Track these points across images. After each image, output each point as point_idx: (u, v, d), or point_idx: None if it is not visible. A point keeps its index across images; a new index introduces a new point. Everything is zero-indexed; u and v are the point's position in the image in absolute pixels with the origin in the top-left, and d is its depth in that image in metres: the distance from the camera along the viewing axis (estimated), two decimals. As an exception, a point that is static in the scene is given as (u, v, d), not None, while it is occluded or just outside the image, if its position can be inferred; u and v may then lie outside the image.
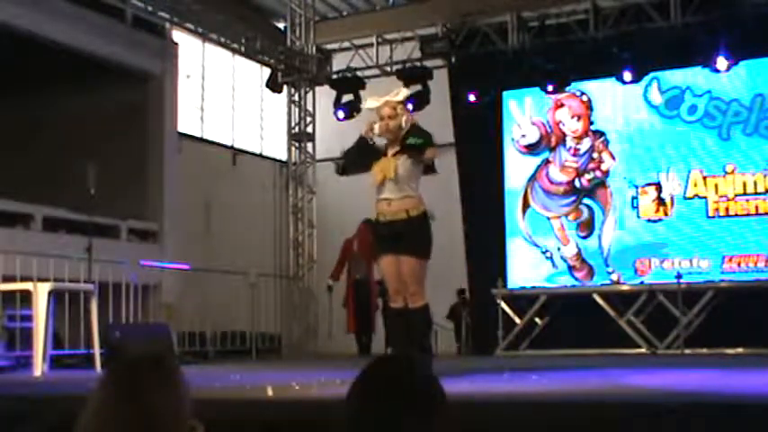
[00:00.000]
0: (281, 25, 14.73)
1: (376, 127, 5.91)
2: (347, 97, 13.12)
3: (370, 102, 6.11)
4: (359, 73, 13.36)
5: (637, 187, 11.88)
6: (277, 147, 15.45)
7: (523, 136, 12.55)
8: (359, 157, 6.04)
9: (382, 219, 5.85)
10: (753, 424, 3.17)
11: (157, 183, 12.37)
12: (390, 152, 5.84)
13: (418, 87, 12.42)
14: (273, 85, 13.85)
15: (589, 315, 11.48)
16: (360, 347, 11.76)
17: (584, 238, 12.13)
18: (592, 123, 12.22)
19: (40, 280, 8.14)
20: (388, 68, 13.35)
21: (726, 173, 11.45)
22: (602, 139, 12.13)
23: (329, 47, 14.57)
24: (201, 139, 13.99)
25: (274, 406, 4.17)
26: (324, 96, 14.11)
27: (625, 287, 11.67)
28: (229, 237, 13.71)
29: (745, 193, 11.32)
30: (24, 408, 4.43)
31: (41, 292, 7.57)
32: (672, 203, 11.70)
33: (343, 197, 14.22)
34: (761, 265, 11.15)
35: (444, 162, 13.46)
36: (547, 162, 12.39)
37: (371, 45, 13.62)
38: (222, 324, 12.25)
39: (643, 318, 11.40)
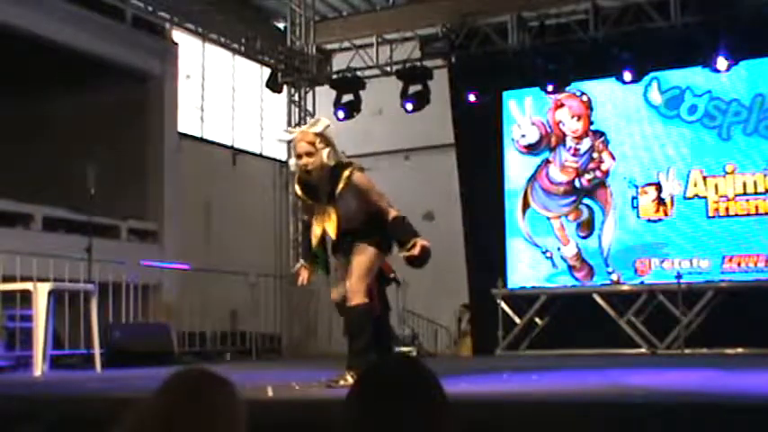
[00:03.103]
0: (281, 25, 14.73)
1: (291, 163, 5.34)
2: (347, 97, 13.12)
3: (285, 134, 5.69)
4: (359, 73, 13.35)
5: (637, 187, 11.88)
6: (277, 147, 15.44)
7: (523, 136, 12.55)
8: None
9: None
10: (753, 424, 3.17)
11: (157, 183, 12.37)
12: (322, 195, 5.15)
13: (418, 87, 12.44)
14: (273, 85, 13.85)
15: (589, 315, 11.49)
16: None
17: (584, 238, 12.13)
18: (592, 123, 12.22)
19: (40, 280, 8.15)
20: (388, 68, 13.35)
21: (726, 173, 11.45)
22: (602, 139, 12.13)
23: (329, 47, 14.57)
24: (201, 139, 13.98)
25: (274, 406, 4.17)
26: (324, 96, 14.11)
27: (625, 287, 11.67)
28: (229, 237, 13.71)
29: (745, 193, 11.32)
30: (24, 408, 4.43)
31: (41, 292, 7.57)
32: (672, 203, 11.70)
33: (343, 197, 14.21)
34: (761, 265, 11.15)
35: (444, 162, 13.52)
36: (547, 162, 12.39)
37: (371, 45, 13.62)
38: (222, 324, 12.25)
39: (643, 318, 11.40)
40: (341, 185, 5.10)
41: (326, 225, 5.18)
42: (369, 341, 5.14)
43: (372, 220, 5.22)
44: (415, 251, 5.12)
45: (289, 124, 14.77)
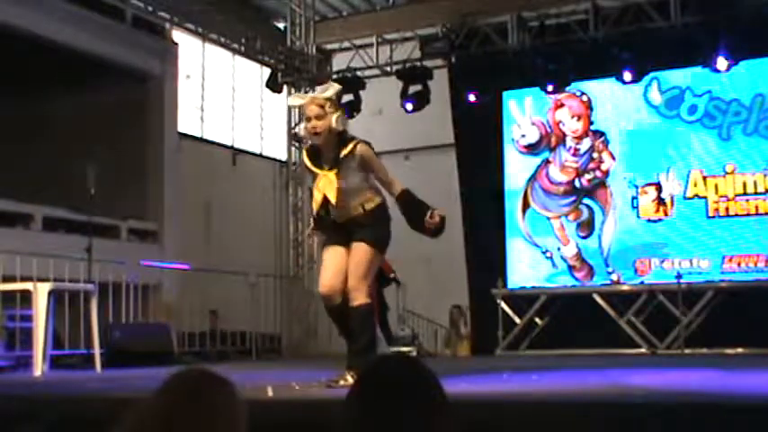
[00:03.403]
0: (281, 25, 14.73)
1: (301, 128, 5.42)
2: (347, 97, 13.08)
3: (293, 99, 5.59)
4: (359, 73, 13.35)
5: (637, 187, 11.88)
6: (277, 147, 15.45)
7: (523, 136, 12.55)
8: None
9: (338, 221, 5.25)
10: (753, 424, 3.17)
11: (157, 183, 12.37)
12: (326, 162, 5.19)
13: (418, 87, 12.43)
14: (273, 85, 13.84)
15: (589, 315, 11.49)
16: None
17: (584, 238, 12.13)
18: (592, 123, 12.22)
19: (40, 280, 8.15)
20: (388, 68, 13.35)
21: (726, 173, 11.45)
22: (602, 139, 12.13)
23: (329, 47, 14.58)
24: (201, 139, 13.98)
25: (274, 406, 4.17)
26: (324, 96, 14.10)
27: (625, 287, 11.67)
28: (229, 237, 13.71)
29: (745, 193, 11.32)
30: (24, 408, 4.43)
31: (41, 292, 7.57)
32: (672, 203, 11.70)
33: (343, 197, 14.20)
34: (761, 265, 11.15)
35: (444, 162, 13.51)
36: (547, 162, 12.39)
37: (371, 45, 13.61)
38: (222, 324, 12.24)
39: (643, 318, 11.40)
40: (345, 151, 5.15)
41: (327, 190, 5.15)
42: (370, 341, 5.14)
43: (373, 215, 5.22)
44: (436, 220, 5.14)
45: (289, 124, 14.77)
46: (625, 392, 4.73)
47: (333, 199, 5.12)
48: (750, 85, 11.44)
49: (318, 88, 5.38)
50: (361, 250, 5.16)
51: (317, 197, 5.19)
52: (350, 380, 4.87)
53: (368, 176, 5.22)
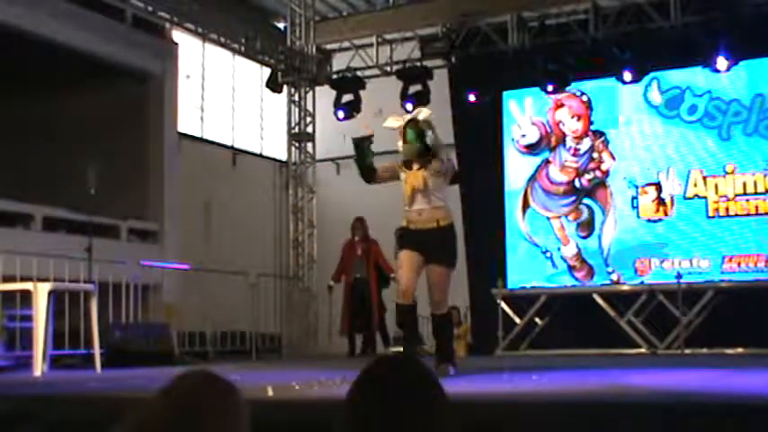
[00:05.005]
0: (281, 25, 14.73)
1: (399, 145, 6.19)
2: (347, 97, 13.11)
3: (391, 121, 6.26)
4: (359, 73, 13.36)
5: (637, 187, 11.88)
6: (277, 147, 15.45)
7: (523, 136, 12.54)
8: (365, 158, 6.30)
9: (412, 227, 6.08)
10: (753, 424, 3.17)
11: (157, 183, 12.37)
12: (415, 166, 6.13)
13: (418, 87, 12.43)
14: (273, 85, 13.85)
15: (589, 315, 11.48)
16: (351, 348, 11.73)
17: (584, 238, 12.13)
18: (592, 123, 12.21)
19: (40, 280, 8.15)
20: (388, 68, 13.35)
21: (726, 173, 11.44)
22: (602, 139, 12.13)
23: (329, 47, 14.57)
24: (201, 139, 13.98)
25: (274, 406, 4.17)
26: (324, 96, 14.11)
27: (625, 287, 11.66)
28: (229, 237, 13.71)
29: (745, 193, 11.31)
30: (24, 408, 4.43)
31: (41, 292, 7.57)
32: (672, 203, 11.69)
33: (344, 197, 14.22)
34: (761, 265, 11.15)
35: (444, 162, 13.48)
36: (547, 162, 12.39)
37: (371, 45, 13.62)
38: (222, 324, 12.24)
39: (643, 318, 11.39)
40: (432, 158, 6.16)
41: (413, 182, 6.04)
42: (452, 340, 6.59)
43: (445, 232, 6.07)
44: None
45: (289, 124, 14.76)
46: (625, 392, 4.73)
47: (421, 185, 5.99)
48: (750, 85, 11.43)
49: (413, 113, 6.36)
50: (440, 274, 6.07)
51: (406, 191, 6.08)
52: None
53: (444, 190, 6.18)
